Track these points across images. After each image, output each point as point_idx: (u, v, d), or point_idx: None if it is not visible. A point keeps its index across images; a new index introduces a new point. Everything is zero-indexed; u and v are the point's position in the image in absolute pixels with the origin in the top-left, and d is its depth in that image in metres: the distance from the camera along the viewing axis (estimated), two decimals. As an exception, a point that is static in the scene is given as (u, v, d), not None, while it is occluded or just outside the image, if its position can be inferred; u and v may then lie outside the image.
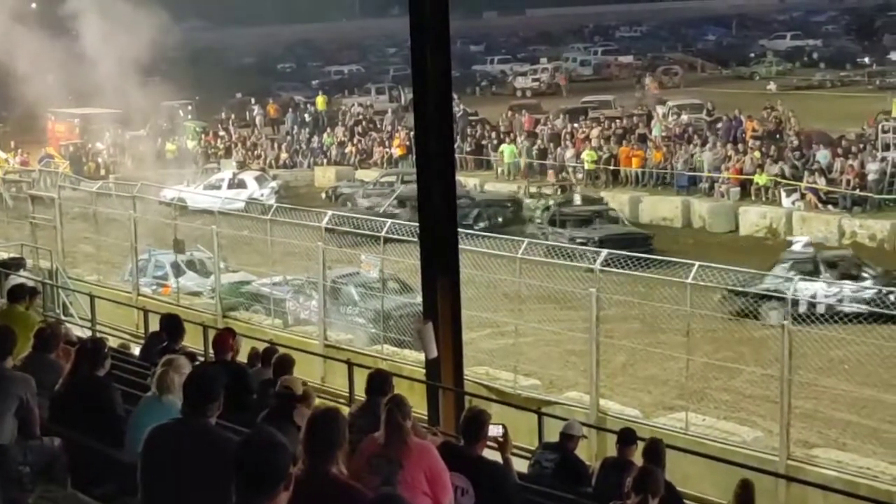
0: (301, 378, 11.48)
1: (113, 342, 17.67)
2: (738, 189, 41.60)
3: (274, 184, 47.88)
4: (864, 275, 27.99)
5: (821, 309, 23.79)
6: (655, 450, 11.65)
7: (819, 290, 25.45)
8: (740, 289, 23.02)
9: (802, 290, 24.69)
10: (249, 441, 5.91)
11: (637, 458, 11.96)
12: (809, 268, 28.50)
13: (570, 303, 23.90)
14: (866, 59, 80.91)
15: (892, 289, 22.31)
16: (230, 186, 46.00)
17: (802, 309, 23.16)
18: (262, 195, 44.83)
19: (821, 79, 75.15)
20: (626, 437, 12.51)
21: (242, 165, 53.65)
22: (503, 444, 9.85)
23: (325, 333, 24.60)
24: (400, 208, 38.67)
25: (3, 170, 49.30)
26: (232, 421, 8.63)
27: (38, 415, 9.39)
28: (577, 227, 37.22)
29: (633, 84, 69.75)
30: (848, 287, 25.60)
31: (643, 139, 48.20)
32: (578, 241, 33.83)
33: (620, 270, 22.18)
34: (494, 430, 9.65)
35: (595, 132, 49.34)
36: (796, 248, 30.49)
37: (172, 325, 13.65)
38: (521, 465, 12.69)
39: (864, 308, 22.92)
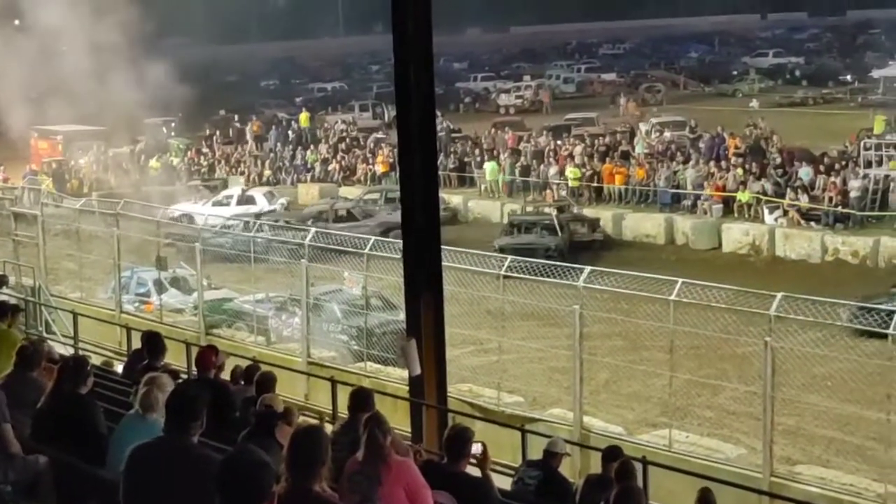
0: (282, 395, 11.48)
1: (96, 360, 17.61)
2: (720, 206, 41.68)
3: (283, 200, 47.90)
4: None
5: None
6: (626, 470, 11.65)
7: None
8: (871, 305, 22.15)
9: None
10: (232, 459, 5.90)
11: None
12: None
13: (553, 319, 23.91)
14: (848, 77, 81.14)
15: None
16: (239, 202, 46.06)
17: None
18: (272, 211, 45.00)
19: (803, 96, 75.39)
20: (611, 454, 12.50)
21: (225, 183, 53.60)
22: (482, 461, 9.86)
23: (309, 351, 24.57)
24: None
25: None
26: (215, 439, 8.60)
27: (12, 430, 9.33)
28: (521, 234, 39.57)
29: (612, 102, 69.47)
30: None
31: (626, 156, 48.27)
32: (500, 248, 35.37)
33: (605, 287, 22.19)
34: (474, 448, 9.67)
35: (578, 149, 49.39)
36: None
37: (153, 343, 13.61)
38: (504, 483, 12.68)
39: None
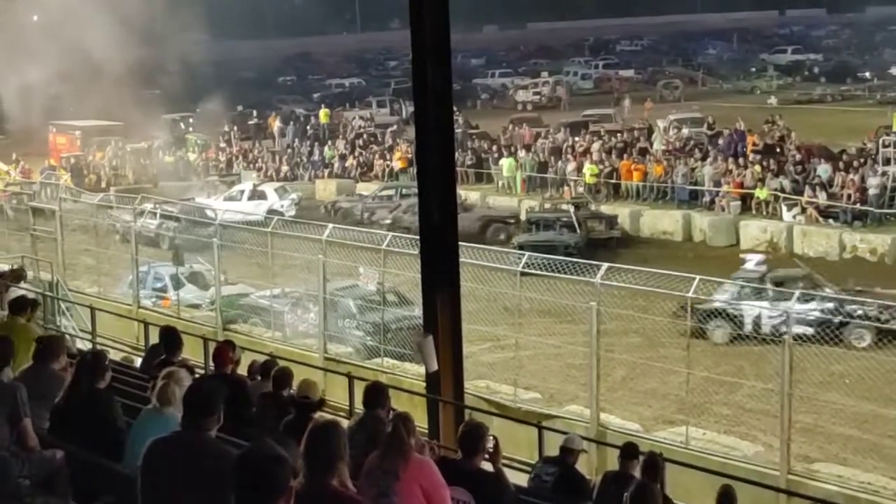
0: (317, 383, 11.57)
1: (114, 355, 17.65)
2: (738, 203, 41.59)
3: (294, 195, 47.83)
4: (824, 293, 26.96)
5: (766, 329, 23.72)
6: (654, 464, 11.65)
7: (763, 310, 24.94)
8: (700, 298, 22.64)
9: (747, 310, 25.30)
10: (248, 454, 5.90)
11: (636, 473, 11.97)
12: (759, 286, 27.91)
13: (570, 316, 23.89)
14: (867, 74, 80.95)
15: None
16: (251, 198, 46.06)
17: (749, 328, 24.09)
18: (282, 206, 44.93)
19: (821, 93, 75.23)
20: (629, 451, 12.49)
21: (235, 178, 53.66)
22: (494, 455, 9.85)
23: (326, 346, 24.60)
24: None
25: (4, 181, 49.32)
26: (231, 434, 8.62)
27: (32, 425, 9.35)
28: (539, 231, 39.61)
29: (616, 103, 68.84)
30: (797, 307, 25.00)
31: (644, 153, 48.19)
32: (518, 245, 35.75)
33: (622, 284, 22.19)
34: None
35: (596, 146, 49.31)
36: (748, 266, 30.19)
37: (169, 338, 13.64)
38: (521, 479, 12.67)
39: (809, 330, 22.01)
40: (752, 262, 29.78)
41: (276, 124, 65.54)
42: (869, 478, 17.88)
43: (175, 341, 13.51)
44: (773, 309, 23.69)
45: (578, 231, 39.24)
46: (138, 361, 17.77)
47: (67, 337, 19.11)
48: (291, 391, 12.12)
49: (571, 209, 40.48)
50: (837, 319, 23.03)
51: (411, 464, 8.52)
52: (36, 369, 10.60)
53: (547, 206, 42.79)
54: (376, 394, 10.56)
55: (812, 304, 24.08)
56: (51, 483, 9.09)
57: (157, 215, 35.62)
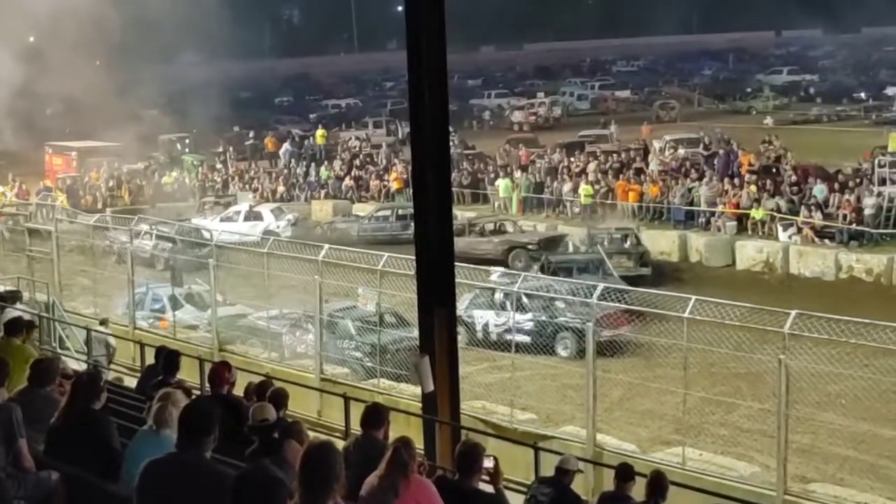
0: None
1: (109, 375, 17.63)
2: (734, 223, 41.62)
3: (290, 216, 47.78)
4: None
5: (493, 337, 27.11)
6: (659, 483, 11.64)
7: (490, 318, 27.82)
8: None
9: (478, 318, 27.82)
10: (246, 475, 5.91)
11: (640, 491, 11.97)
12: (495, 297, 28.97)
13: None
14: (862, 94, 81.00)
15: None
16: (246, 219, 46.04)
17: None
18: (277, 227, 44.88)
19: (817, 113, 75.27)
20: (625, 472, 12.48)
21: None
22: (494, 476, 9.85)
23: (322, 367, 24.58)
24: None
25: (0, 203, 49.32)
26: (227, 455, 8.61)
27: (27, 445, 9.34)
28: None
29: (603, 126, 68.27)
30: (517, 317, 26.24)
31: (640, 173, 48.24)
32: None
33: (618, 304, 22.22)
34: (486, 463, 9.67)
35: (592, 166, 49.37)
36: (493, 277, 30.25)
37: (170, 360, 13.65)
38: (517, 500, 12.65)
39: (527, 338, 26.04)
40: (496, 274, 29.99)
41: (283, 147, 65.59)
42: (866, 498, 17.87)
43: (174, 363, 13.53)
44: (499, 317, 26.92)
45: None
46: (129, 381, 17.79)
47: (63, 359, 19.06)
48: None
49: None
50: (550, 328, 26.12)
51: (411, 485, 8.53)
52: (31, 390, 10.59)
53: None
54: (375, 415, 10.54)
55: (529, 315, 26.79)
56: (47, 504, 9.08)
57: (153, 236, 35.69)
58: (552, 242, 41.44)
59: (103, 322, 24.61)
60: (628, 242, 39.24)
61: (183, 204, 52.95)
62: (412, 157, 17.98)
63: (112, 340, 25.50)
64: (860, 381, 20.48)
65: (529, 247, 41.02)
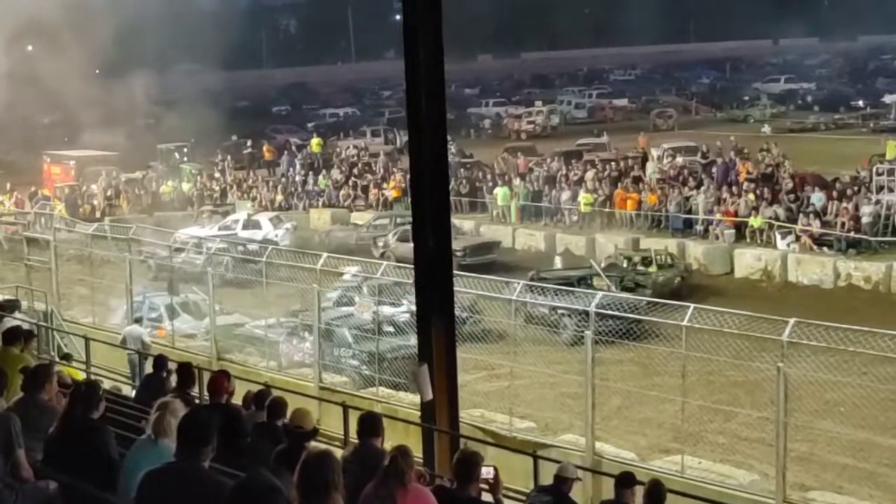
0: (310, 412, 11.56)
1: (107, 385, 17.62)
2: (732, 231, 41.62)
3: (289, 225, 47.64)
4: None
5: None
6: (657, 492, 11.63)
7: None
8: None
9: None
10: (246, 484, 5.89)
11: (637, 501, 11.96)
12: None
13: (564, 345, 23.88)
14: (860, 102, 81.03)
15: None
16: (245, 227, 45.97)
17: None
18: (276, 236, 44.77)
19: (815, 121, 75.33)
20: (625, 480, 12.48)
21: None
22: (494, 486, 9.84)
23: (321, 376, 24.56)
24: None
25: (-1, 212, 49.37)
26: (225, 464, 8.60)
27: (25, 455, 9.33)
28: None
29: (596, 135, 67.83)
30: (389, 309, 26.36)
31: (638, 181, 48.25)
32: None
33: (616, 313, 22.21)
34: (485, 472, 9.66)
35: (590, 174, 49.38)
36: (346, 276, 30.22)
37: (184, 373, 13.77)
38: (516, 509, 12.65)
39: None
40: (349, 273, 29.98)
41: (268, 154, 65.64)
42: (864, 506, 17.87)
43: (189, 376, 13.65)
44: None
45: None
46: (126, 390, 17.79)
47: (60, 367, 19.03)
48: (285, 421, 12.10)
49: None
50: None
51: (409, 493, 8.52)
52: (27, 399, 10.58)
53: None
54: (371, 423, 10.53)
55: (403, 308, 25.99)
56: (44, 514, 9.06)
57: (205, 250, 34.17)
58: (482, 249, 41.44)
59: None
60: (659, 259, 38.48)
61: (181, 213, 52.96)
62: (410, 166, 18.01)
63: (147, 338, 25.98)
64: (859, 389, 20.47)
65: (458, 254, 37.63)
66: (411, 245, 40.17)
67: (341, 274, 29.39)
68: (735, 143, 54.57)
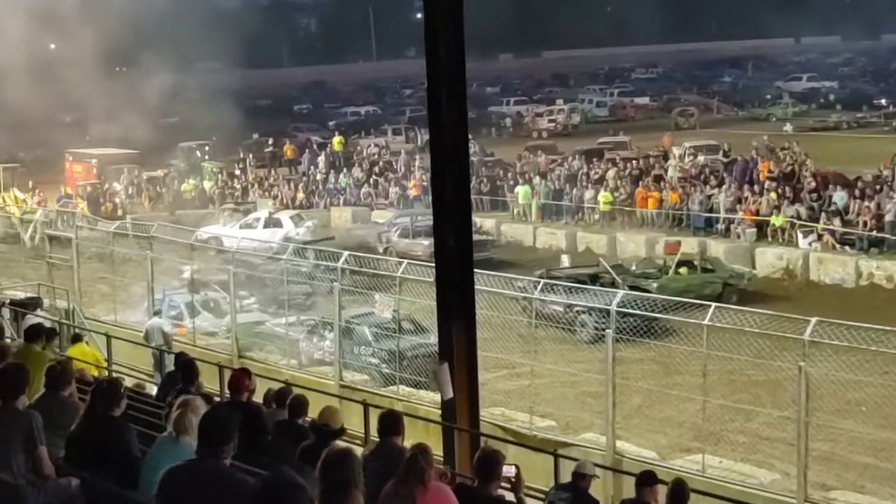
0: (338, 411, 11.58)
1: (129, 382, 17.66)
2: (754, 230, 41.52)
3: (310, 223, 47.59)
4: None
5: None
6: (680, 491, 11.61)
7: None
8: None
9: None
10: (269, 482, 5.90)
11: (660, 500, 11.94)
12: None
13: (586, 343, 23.84)
14: (882, 101, 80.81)
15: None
16: (266, 226, 46.01)
17: None
18: (297, 234, 44.76)
19: (837, 120, 75.11)
20: (646, 478, 12.45)
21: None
22: (516, 484, 9.82)
23: (341, 374, 24.59)
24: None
25: (21, 210, 49.51)
26: (246, 462, 8.61)
27: (47, 452, 9.36)
28: None
29: (613, 133, 67.50)
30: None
31: (659, 180, 48.16)
32: None
33: (636, 312, 22.17)
34: (507, 471, 9.64)
35: (611, 173, 49.33)
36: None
37: (186, 368, 13.68)
38: (536, 507, 12.64)
39: None
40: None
41: (289, 153, 65.76)
42: (887, 506, 17.81)
43: (191, 371, 13.55)
44: None
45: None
46: (151, 388, 17.81)
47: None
48: (308, 419, 12.13)
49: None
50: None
51: (429, 492, 8.52)
52: (49, 397, 10.61)
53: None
54: (391, 422, 10.53)
55: None
56: (67, 511, 9.08)
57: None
58: (475, 246, 41.26)
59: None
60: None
61: (202, 211, 53.05)
62: (431, 164, 18.00)
63: (168, 327, 26.75)
64: (880, 389, 20.40)
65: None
66: (411, 240, 40.95)
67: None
68: (767, 142, 54.27)
